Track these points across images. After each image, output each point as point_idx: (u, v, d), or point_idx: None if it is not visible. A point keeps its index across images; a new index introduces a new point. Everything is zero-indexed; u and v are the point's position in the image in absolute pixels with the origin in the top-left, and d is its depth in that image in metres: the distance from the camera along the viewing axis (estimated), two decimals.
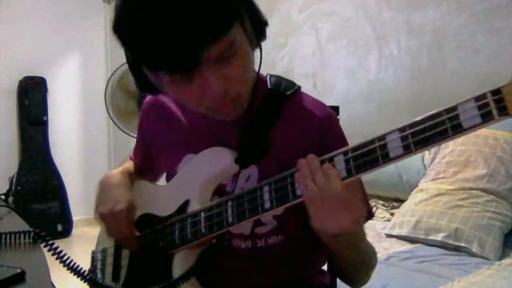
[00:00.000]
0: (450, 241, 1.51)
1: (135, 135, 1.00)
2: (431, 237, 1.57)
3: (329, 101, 0.85)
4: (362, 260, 0.77)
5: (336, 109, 0.89)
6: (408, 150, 0.56)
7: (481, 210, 1.54)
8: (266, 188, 0.67)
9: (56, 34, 3.76)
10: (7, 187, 3.28)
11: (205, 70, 0.61)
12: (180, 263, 0.75)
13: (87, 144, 4.02)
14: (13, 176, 3.44)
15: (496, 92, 0.50)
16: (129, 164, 0.96)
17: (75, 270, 0.72)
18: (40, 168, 3.61)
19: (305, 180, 0.62)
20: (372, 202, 2.12)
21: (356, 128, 2.17)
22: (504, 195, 1.60)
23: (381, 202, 2.17)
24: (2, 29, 3.49)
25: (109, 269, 0.88)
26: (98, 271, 0.91)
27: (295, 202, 0.65)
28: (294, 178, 0.65)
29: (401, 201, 1.98)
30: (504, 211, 1.56)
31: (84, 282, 0.73)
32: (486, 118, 0.50)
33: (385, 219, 1.99)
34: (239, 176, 0.76)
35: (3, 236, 0.78)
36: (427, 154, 1.95)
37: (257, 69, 0.75)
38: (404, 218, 1.69)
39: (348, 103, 2.55)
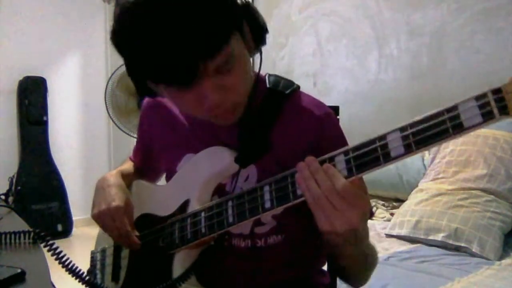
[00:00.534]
0: (450, 241, 1.51)
1: (135, 135, 1.00)
2: (431, 237, 1.56)
3: (329, 101, 0.85)
4: (365, 258, 0.77)
5: (336, 109, 0.89)
6: (409, 149, 0.56)
7: (481, 210, 1.54)
8: (266, 188, 0.67)
9: (56, 34, 3.75)
10: (7, 187, 3.25)
11: (202, 82, 0.61)
12: (180, 263, 0.75)
13: (87, 144, 4.01)
14: (13, 176, 3.42)
15: (497, 91, 0.50)
16: (128, 165, 0.96)
17: (73, 272, 0.72)
18: (40, 168, 3.60)
19: (307, 182, 0.61)
20: (372, 202, 2.12)
21: (356, 128, 2.17)
22: (504, 195, 1.60)
23: (381, 202, 2.16)
24: (2, 29, 3.49)
25: (108, 269, 0.88)
26: (98, 272, 0.91)
27: (295, 202, 0.64)
28: (295, 178, 0.64)
29: (401, 201, 1.98)
30: (504, 211, 1.56)
31: (82, 284, 0.73)
32: (487, 117, 0.50)
33: (385, 219, 1.99)
34: (239, 176, 0.75)
35: (3, 236, 0.78)
36: (427, 154, 1.95)
37: (257, 70, 0.75)
38: (404, 218, 1.69)
39: (348, 103, 2.55)
